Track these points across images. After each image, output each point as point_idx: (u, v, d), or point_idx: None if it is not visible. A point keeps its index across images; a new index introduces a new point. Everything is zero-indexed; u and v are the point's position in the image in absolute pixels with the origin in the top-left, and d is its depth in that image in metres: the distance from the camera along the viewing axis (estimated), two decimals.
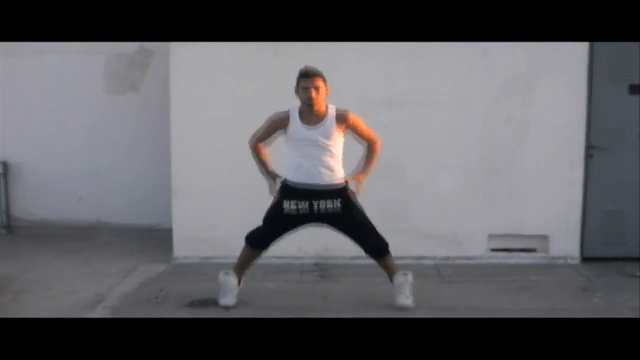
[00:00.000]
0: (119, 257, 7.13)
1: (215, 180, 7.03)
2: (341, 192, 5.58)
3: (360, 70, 6.93)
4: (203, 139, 7.01)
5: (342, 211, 5.56)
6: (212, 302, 5.80)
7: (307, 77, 5.41)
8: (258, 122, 6.74)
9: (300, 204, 5.53)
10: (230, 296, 5.75)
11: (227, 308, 5.67)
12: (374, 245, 5.71)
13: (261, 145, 5.81)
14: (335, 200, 5.53)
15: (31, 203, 8.70)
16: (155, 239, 7.53)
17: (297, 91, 5.52)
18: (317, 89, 5.40)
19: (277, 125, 5.65)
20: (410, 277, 5.73)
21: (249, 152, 6.54)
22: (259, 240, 5.78)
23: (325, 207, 5.53)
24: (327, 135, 5.48)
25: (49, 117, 8.59)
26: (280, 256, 6.72)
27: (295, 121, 5.51)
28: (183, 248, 7.15)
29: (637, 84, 6.93)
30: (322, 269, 6.90)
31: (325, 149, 5.49)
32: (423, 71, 6.90)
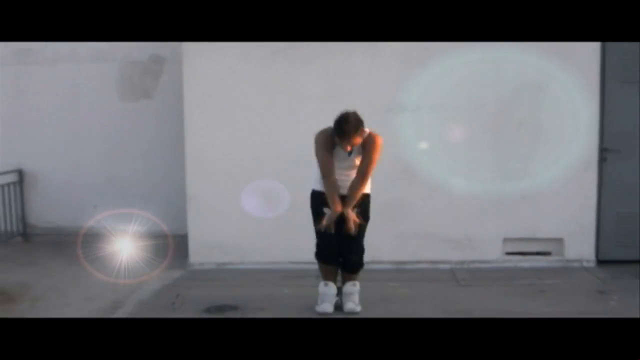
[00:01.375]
0: (135, 264, 7.15)
1: (230, 187, 7.05)
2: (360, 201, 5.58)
3: (371, 76, 6.95)
4: (218, 146, 7.05)
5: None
6: (229, 308, 5.85)
7: (342, 136, 5.34)
8: (272, 127, 6.82)
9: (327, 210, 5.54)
10: (329, 303, 5.76)
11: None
12: (355, 261, 5.72)
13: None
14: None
15: (47, 211, 8.76)
16: (171, 245, 7.55)
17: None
18: (352, 145, 5.39)
19: (330, 147, 5.48)
20: (358, 287, 5.80)
21: (264, 156, 6.62)
22: (322, 252, 5.75)
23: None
24: (356, 158, 5.51)
25: (63, 125, 8.65)
26: (296, 262, 6.74)
27: (337, 146, 5.48)
28: (199, 254, 7.19)
29: None
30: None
31: (353, 168, 5.52)
32: (435, 76, 6.90)
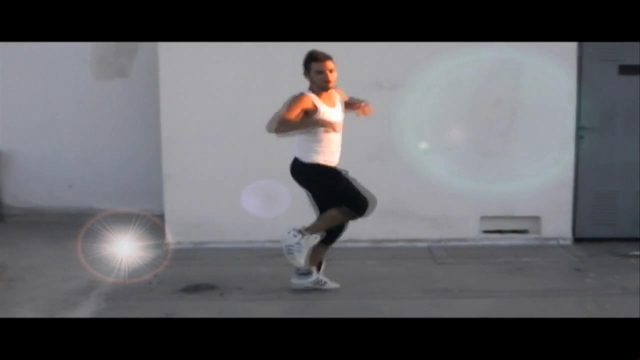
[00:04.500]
0: (112, 244, 7.09)
1: (206, 165, 7.02)
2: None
3: (349, 54, 6.87)
4: (193, 124, 6.99)
5: None
6: (206, 287, 5.82)
7: (319, 61, 5.35)
8: (248, 106, 6.76)
9: None
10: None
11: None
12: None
13: None
14: None
15: (22, 191, 8.65)
16: (147, 225, 7.50)
17: (307, 75, 5.44)
18: (331, 71, 5.37)
19: (306, 108, 5.35)
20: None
21: (240, 135, 6.56)
22: (364, 201, 5.52)
23: None
24: (342, 114, 5.57)
25: (37, 104, 8.52)
26: (274, 240, 6.71)
27: (320, 104, 5.39)
28: (175, 234, 7.15)
29: (626, 64, 6.96)
30: None
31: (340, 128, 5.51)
32: (412, 54, 6.86)
